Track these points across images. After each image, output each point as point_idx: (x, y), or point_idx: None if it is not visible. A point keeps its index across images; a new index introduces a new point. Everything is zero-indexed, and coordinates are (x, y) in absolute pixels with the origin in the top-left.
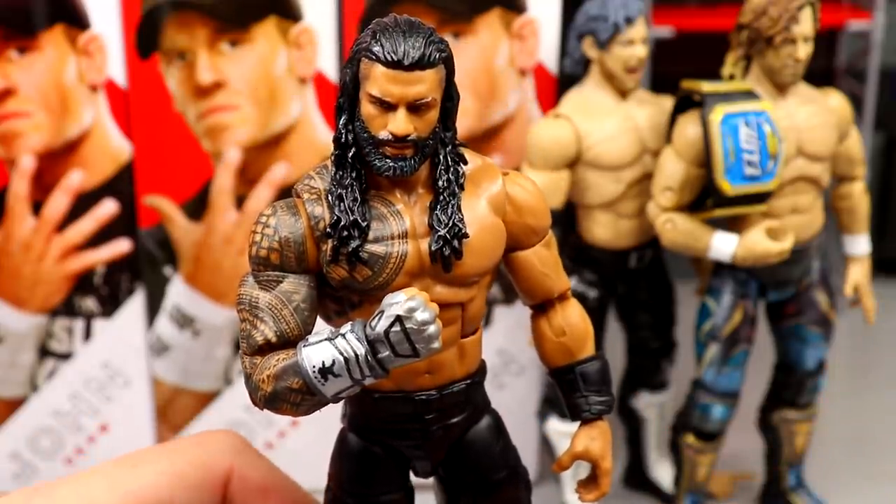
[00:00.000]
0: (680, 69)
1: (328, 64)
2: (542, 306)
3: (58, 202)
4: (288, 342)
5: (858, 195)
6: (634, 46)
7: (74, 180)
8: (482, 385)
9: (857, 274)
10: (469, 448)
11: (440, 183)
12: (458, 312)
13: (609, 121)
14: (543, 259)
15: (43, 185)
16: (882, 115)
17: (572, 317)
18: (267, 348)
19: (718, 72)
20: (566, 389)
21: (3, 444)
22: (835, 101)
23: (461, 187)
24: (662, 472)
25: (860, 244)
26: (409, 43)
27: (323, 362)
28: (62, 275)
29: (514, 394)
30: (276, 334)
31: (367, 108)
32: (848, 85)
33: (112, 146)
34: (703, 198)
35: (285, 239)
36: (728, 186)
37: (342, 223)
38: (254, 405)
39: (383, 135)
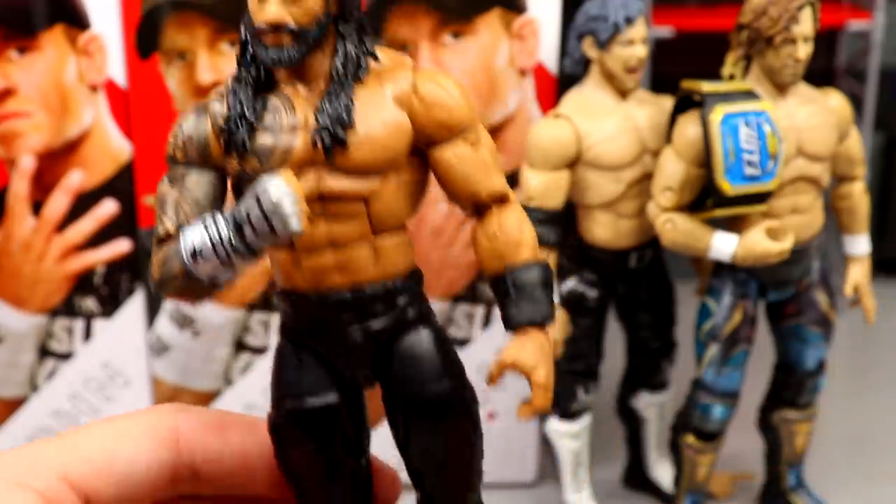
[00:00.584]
0: (680, 69)
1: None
2: (479, 214)
3: (58, 202)
4: None
5: (858, 195)
6: (634, 46)
7: (74, 180)
8: (416, 296)
9: (857, 274)
10: (396, 355)
11: (333, 73)
12: (361, 207)
13: (609, 121)
14: (464, 158)
15: (43, 185)
16: (882, 115)
17: (507, 220)
18: (167, 239)
19: (718, 72)
20: (499, 298)
21: (3, 444)
22: (835, 101)
23: (357, 78)
24: (662, 472)
25: (860, 244)
26: None
27: (194, 245)
28: (62, 275)
29: (514, 394)
30: (175, 226)
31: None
32: (848, 85)
33: (112, 146)
34: (704, 198)
35: (188, 137)
36: (728, 186)
37: (232, 114)
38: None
39: (259, 24)
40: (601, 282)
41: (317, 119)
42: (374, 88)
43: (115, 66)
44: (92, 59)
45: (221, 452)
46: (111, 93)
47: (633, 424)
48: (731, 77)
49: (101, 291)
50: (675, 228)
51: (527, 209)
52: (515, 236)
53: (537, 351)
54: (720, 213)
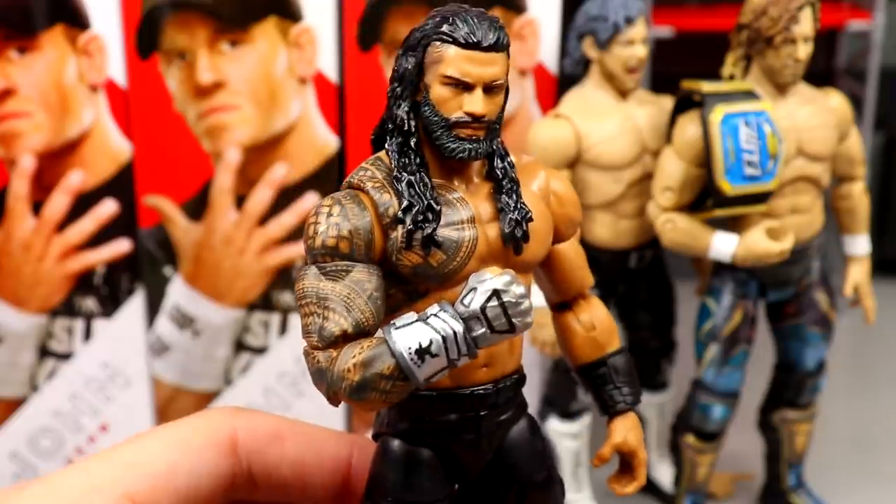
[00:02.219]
0: (680, 69)
1: (328, 64)
2: (566, 305)
3: (58, 202)
4: (363, 332)
5: (858, 195)
6: (634, 46)
7: (74, 180)
8: (524, 383)
9: (857, 274)
10: (512, 448)
11: (498, 171)
12: None
13: (609, 121)
14: (579, 252)
15: (43, 185)
16: (882, 116)
17: (599, 312)
18: (342, 340)
19: (718, 72)
20: (598, 384)
21: (3, 444)
22: (835, 102)
23: (515, 173)
24: (662, 472)
25: (860, 244)
26: (485, 26)
27: (420, 343)
28: (62, 275)
29: None
30: (352, 325)
31: (439, 91)
32: (848, 85)
33: (112, 146)
34: (704, 198)
35: (355, 227)
36: (728, 186)
37: (417, 207)
38: (329, 401)
39: (457, 115)
40: (601, 282)
41: (503, 212)
42: (522, 184)
43: (115, 66)
44: (92, 59)
45: (279, 462)
46: (111, 93)
47: None
48: (732, 77)
49: (101, 291)
50: (676, 228)
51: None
52: (609, 326)
53: (639, 432)
54: (720, 213)
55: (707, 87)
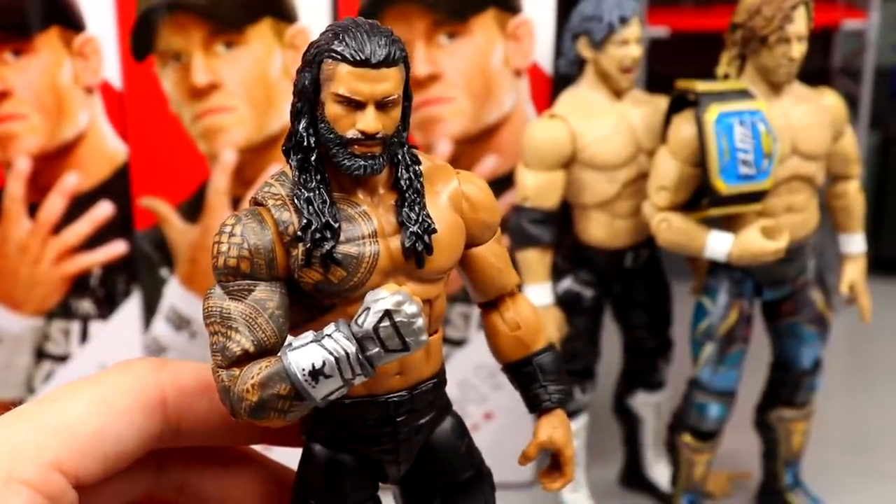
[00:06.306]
0: (675, 69)
1: None
2: (492, 303)
3: (54, 204)
4: (265, 351)
5: (853, 194)
6: (629, 46)
7: (70, 182)
8: (445, 385)
9: (853, 272)
10: (435, 449)
11: (402, 182)
12: (427, 310)
13: (604, 121)
14: (497, 254)
15: (39, 187)
16: (877, 114)
17: (524, 310)
18: (245, 359)
19: (713, 71)
20: (524, 382)
21: None
22: (829, 100)
23: (421, 185)
24: (659, 472)
25: (856, 243)
26: (374, 42)
27: (313, 364)
28: (58, 277)
29: (513, 393)
30: (253, 344)
31: (333, 109)
32: (843, 84)
33: (108, 148)
34: (699, 197)
35: (255, 246)
36: (723, 186)
37: (314, 226)
38: (234, 417)
39: (352, 134)
40: (597, 281)
41: (405, 226)
42: (430, 192)
43: (111, 68)
44: (87, 60)
45: (208, 414)
46: (106, 95)
47: (629, 424)
48: (726, 76)
49: (97, 293)
50: (671, 228)
51: (522, 209)
52: (534, 324)
53: (566, 429)
54: (715, 212)
55: (702, 86)
